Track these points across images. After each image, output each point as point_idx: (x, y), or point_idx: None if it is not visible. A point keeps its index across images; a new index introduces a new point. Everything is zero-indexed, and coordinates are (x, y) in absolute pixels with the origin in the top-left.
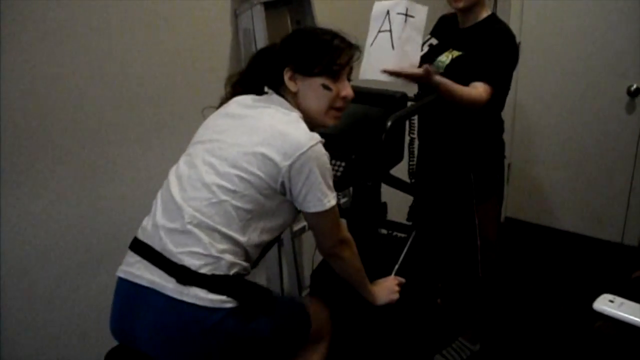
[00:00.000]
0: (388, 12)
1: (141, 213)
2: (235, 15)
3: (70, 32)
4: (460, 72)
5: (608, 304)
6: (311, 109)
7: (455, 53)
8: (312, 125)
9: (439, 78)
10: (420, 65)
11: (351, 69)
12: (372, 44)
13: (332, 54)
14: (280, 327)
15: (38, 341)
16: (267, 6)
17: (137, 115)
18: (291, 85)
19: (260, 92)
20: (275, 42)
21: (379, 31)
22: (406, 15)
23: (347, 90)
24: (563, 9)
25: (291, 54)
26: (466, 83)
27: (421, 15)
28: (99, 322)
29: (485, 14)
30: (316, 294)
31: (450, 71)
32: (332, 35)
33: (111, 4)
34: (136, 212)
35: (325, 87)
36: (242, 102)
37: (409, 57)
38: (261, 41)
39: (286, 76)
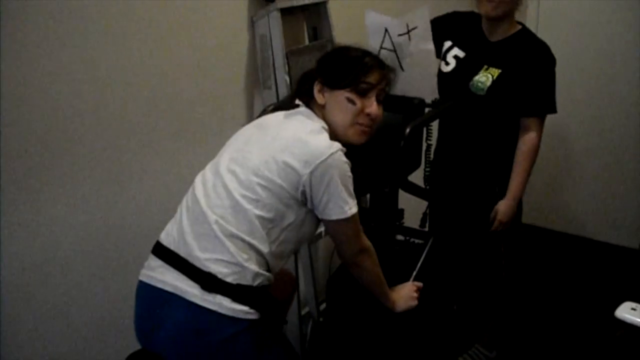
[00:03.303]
0: (387, 31)
1: (157, 219)
2: (252, 22)
3: (89, 40)
4: (503, 93)
5: (630, 312)
6: (335, 122)
7: (494, 71)
8: (338, 141)
9: (510, 200)
10: (449, 82)
11: (384, 90)
12: None
13: (361, 69)
14: None
15: (55, 348)
16: (283, 12)
17: (154, 121)
18: (319, 98)
19: (294, 106)
20: None
21: (381, 47)
22: (408, 32)
23: (372, 108)
24: (580, 11)
25: (322, 68)
26: (510, 105)
27: (423, 20)
28: (117, 328)
29: (515, 27)
30: (333, 301)
31: (493, 93)
32: (364, 52)
33: (129, 11)
34: (153, 218)
35: (350, 100)
36: (275, 116)
37: (425, 79)
38: (278, 47)
39: (316, 89)
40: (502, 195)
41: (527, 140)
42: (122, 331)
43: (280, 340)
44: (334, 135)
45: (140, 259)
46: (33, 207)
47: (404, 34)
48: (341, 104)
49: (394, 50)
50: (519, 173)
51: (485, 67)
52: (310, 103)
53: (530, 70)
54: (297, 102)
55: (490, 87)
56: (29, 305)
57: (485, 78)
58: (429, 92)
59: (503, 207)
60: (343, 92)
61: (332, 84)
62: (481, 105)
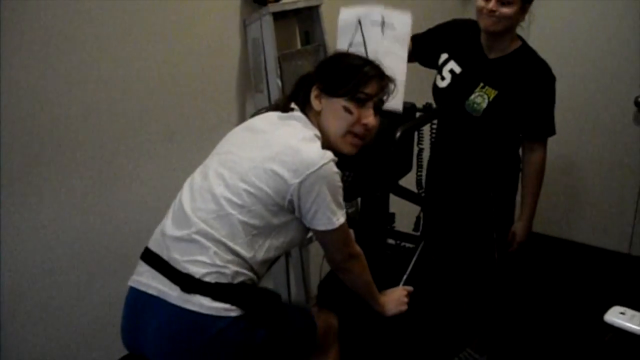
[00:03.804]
0: (360, 22)
1: (150, 223)
2: (245, 26)
3: (79, 43)
4: (499, 116)
5: (619, 316)
6: (330, 130)
7: (490, 92)
8: (330, 148)
9: (525, 222)
10: (444, 98)
11: (381, 101)
12: None
13: (360, 79)
14: (285, 334)
15: (45, 352)
16: (276, 16)
17: (145, 125)
18: (315, 104)
19: (288, 110)
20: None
21: (350, 45)
22: (383, 25)
23: (369, 119)
24: (571, 18)
25: (320, 74)
26: (505, 127)
27: (404, 24)
28: (108, 332)
29: (515, 44)
30: (324, 304)
31: (488, 115)
32: (365, 61)
33: (120, 14)
34: (145, 222)
35: (346, 109)
36: (267, 118)
37: (392, 72)
38: (270, 51)
39: (313, 94)
40: (497, 200)
41: (532, 161)
42: (115, 334)
43: (272, 321)
44: (326, 143)
45: (134, 262)
46: (27, 211)
47: (378, 23)
48: (337, 112)
49: (364, 44)
50: (528, 195)
51: (482, 85)
52: (305, 108)
53: (529, 93)
54: (293, 105)
55: (486, 109)
56: (22, 307)
57: (480, 99)
58: (396, 101)
59: (519, 230)
60: (340, 100)
61: (330, 91)
62: (477, 125)
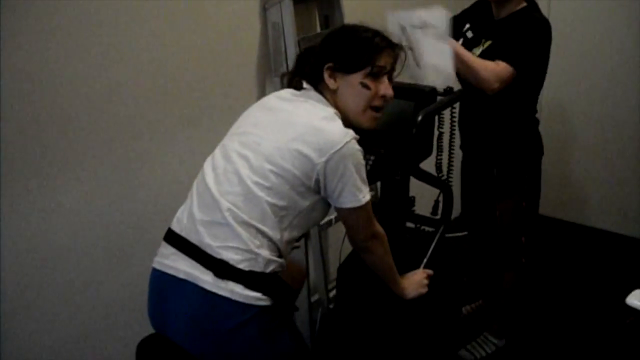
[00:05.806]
0: (404, 29)
1: (171, 206)
2: (264, 10)
3: (102, 27)
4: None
5: None
6: (349, 107)
7: (486, 43)
8: (349, 124)
9: (454, 46)
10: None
11: (393, 69)
12: None
13: (372, 52)
14: (297, 350)
15: (67, 332)
16: (295, 0)
17: (165, 109)
18: (330, 83)
19: (299, 88)
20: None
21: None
22: (423, 26)
23: (386, 90)
24: (591, 4)
25: (331, 51)
26: None
27: (441, 21)
28: (130, 312)
29: (521, 5)
30: (343, 288)
31: None
32: (374, 33)
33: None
34: (166, 205)
35: (364, 85)
36: (281, 96)
37: (441, 70)
38: (290, 35)
39: (326, 74)
40: (500, 178)
41: (493, 63)
42: (134, 317)
43: (289, 327)
44: (345, 120)
45: (154, 246)
46: (50, 193)
47: (418, 26)
48: (355, 88)
49: (410, 48)
50: (469, 55)
51: (483, 41)
52: (319, 86)
53: (516, 34)
54: (305, 85)
55: (479, 56)
56: (44, 288)
57: (477, 50)
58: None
59: None
60: (357, 77)
61: (345, 69)
62: None
